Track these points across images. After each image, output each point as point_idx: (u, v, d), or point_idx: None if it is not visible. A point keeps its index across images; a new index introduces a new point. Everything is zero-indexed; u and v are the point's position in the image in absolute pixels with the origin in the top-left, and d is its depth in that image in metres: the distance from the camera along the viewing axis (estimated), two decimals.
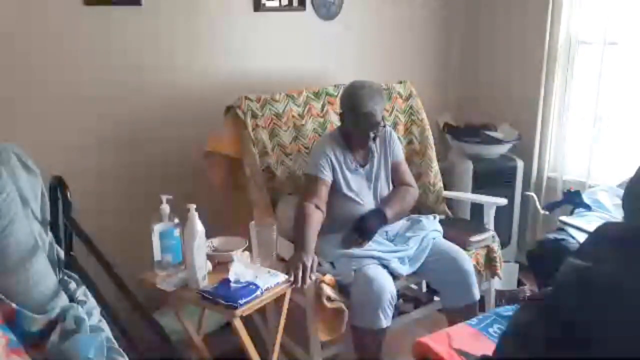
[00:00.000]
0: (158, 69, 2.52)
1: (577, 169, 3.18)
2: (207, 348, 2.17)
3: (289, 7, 2.87)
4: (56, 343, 1.21)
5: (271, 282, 1.90)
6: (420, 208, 2.71)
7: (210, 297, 1.81)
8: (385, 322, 2.10)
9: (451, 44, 3.58)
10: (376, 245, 2.28)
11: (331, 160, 2.31)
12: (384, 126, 2.37)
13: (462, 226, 2.65)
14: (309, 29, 2.96)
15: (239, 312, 1.76)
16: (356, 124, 2.30)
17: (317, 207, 2.25)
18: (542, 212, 2.99)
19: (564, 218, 2.55)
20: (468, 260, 2.30)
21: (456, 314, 2.21)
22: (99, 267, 1.48)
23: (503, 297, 2.78)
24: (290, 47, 2.91)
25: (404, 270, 2.25)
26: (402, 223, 2.46)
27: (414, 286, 2.84)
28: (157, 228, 1.91)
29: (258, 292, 1.83)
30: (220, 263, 2.02)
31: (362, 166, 2.41)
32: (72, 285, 1.41)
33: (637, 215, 1.14)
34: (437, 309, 2.51)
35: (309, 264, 2.05)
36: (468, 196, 3.00)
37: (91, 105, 2.37)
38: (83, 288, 1.42)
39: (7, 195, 1.26)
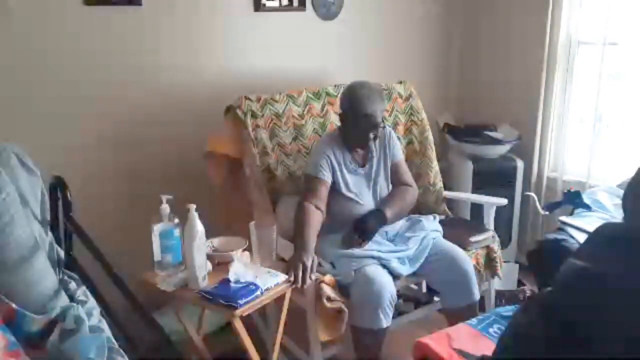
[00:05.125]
0: (158, 69, 2.52)
1: (577, 169, 3.18)
2: (207, 348, 2.17)
3: (289, 7, 2.87)
4: (56, 343, 1.21)
5: (271, 282, 1.90)
6: (420, 208, 2.70)
7: (210, 297, 1.81)
8: (385, 322, 2.10)
9: (451, 44, 3.59)
10: (376, 246, 2.28)
11: (331, 161, 2.31)
12: (384, 127, 2.37)
13: (462, 226, 2.65)
14: (309, 29, 2.96)
15: (239, 312, 1.76)
16: (356, 124, 2.29)
17: (317, 207, 2.25)
18: (542, 212, 2.99)
19: (564, 218, 2.55)
20: (468, 260, 2.30)
21: (456, 314, 2.21)
22: (99, 267, 1.48)
23: (503, 297, 2.78)
24: (290, 47, 2.91)
25: (404, 270, 2.25)
26: (402, 223, 2.46)
27: (414, 286, 2.84)
28: (157, 228, 1.91)
29: (258, 292, 1.83)
30: (220, 263, 2.02)
31: (362, 166, 2.41)
32: (72, 285, 1.41)
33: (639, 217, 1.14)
34: (437, 309, 2.51)
35: (309, 264, 2.05)
36: (468, 196, 3.00)
37: (91, 105, 2.37)
38: (83, 288, 1.42)
39: (7, 195, 1.26)
